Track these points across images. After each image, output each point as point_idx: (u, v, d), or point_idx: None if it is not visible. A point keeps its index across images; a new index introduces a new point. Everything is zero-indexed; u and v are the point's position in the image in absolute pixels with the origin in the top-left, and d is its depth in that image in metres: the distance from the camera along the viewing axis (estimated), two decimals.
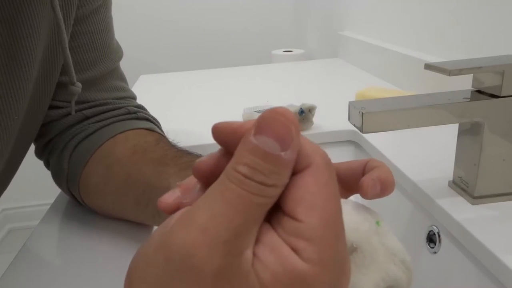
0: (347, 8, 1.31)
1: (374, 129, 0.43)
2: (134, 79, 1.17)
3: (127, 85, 0.60)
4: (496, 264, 0.38)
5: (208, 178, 0.21)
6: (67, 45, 0.44)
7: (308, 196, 0.18)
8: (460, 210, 0.45)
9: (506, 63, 0.42)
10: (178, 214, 0.19)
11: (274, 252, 0.18)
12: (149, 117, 0.57)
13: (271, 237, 0.18)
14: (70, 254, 0.48)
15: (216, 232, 0.17)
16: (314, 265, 0.17)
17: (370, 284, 0.22)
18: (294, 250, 0.17)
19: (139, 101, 0.60)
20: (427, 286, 0.50)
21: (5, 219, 2.23)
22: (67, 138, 0.52)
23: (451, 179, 0.50)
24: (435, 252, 0.49)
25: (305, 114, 0.70)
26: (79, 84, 0.47)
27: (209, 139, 0.80)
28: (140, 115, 0.55)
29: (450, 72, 0.41)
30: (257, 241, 0.18)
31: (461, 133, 0.47)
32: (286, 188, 0.18)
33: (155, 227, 0.51)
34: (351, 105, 0.44)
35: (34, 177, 1.44)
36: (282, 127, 0.18)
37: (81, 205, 0.54)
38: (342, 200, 0.21)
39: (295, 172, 0.19)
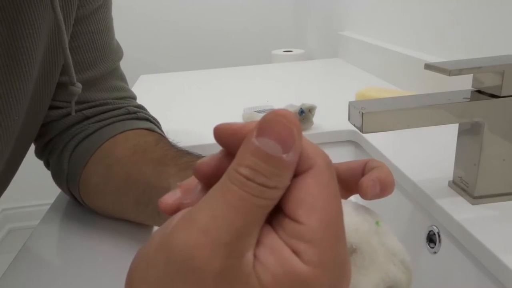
0: (347, 8, 1.31)
1: (374, 129, 0.43)
2: (134, 79, 1.17)
3: (127, 85, 0.60)
4: (496, 264, 0.38)
5: (209, 179, 0.21)
6: (67, 46, 0.44)
7: (309, 198, 0.18)
8: (460, 210, 0.45)
9: (506, 63, 0.42)
10: (179, 215, 0.19)
11: (275, 254, 0.18)
12: (149, 117, 0.57)
13: (272, 239, 0.18)
14: (70, 254, 0.48)
15: (217, 233, 0.17)
16: (315, 267, 0.17)
17: (370, 285, 0.22)
18: (295, 252, 0.18)
19: (139, 101, 0.60)
20: (427, 286, 0.50)
21: (5, 219, 2.23)
22: (67, 138, 0.52)
23: (451, 179, 0.50)
24: (435, 252, 0.49)
25: (305, 114, 0.70)
26: (79, 85, 0.47)
27: (209, 139, 0.80)
28: (140, 115, 0.55)
29: (450, 72, 0.41)
30: (258, 243, 0.18)
31: (461, 133, 0.47)
32: (287, 190, 0.18)
33: (155, 227, 0.51)
34: (351, 105, 0.44)
35: (34, 177, 1.44)
36: (284, 129, 0.18)
37: (81, 205, 0.54)
38: (342, 201, 0.21)
39: (296, 174, 0.19)
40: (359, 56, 1.18)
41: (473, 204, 0.46)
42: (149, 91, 1.11)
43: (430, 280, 0.50)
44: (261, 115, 0.80)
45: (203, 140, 0.70)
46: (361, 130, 0.43)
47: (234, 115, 0.81)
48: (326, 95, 0.96)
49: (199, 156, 0.48)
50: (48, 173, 0.56)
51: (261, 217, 0.18)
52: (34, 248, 0.49)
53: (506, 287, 0.37)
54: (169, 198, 0.22)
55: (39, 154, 0.56)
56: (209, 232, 0.17)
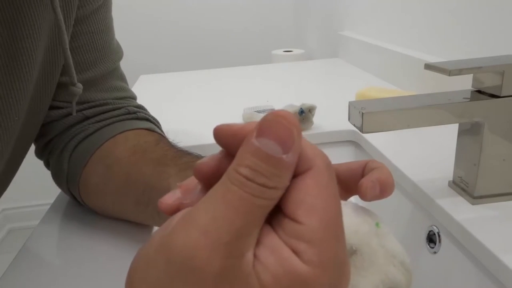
0: (347, 8, 1.31)
1: (374, 129, 0.43)
2: (134, 79, 1.17)
3: (127, 85, 0.60)
4: (496, 264, 0.38)
5: (209, 179, 0.21)
6: (67, 46, 0.44)
7: (308, 198, 0.18)
8: (460, 210, 0.45)
9: (506, 63, 0.42)
10: (179, 215, 0.19)
11: (275, 254, 0.18)
12: (149, 117, 0.57)
13: (272, 239, 0.18)
14: (70, 254, 0.48)
15: (217, 234, 0.17)
16: (314, 267, 0.17)
17: (370, 286, 0.22)
18: (295, 252, 0.18)
19: (139, 101, 0.60)
20: (427, 286, 0.50)
21: (5, 219, 2.23)
22: (67, 138, 0.52)
23: (451, 179, 0.50)
24: (435, 252, 0.49)
25: (305, 114, 0.70)
26: (80, 85, 0.47)
27: (209, 139, 0.80)
28: (140, 115, 0.55)
29: (450, 72, 0.41)
30: (258, 242, 0.18)
31: (461, 133, 0.47)
32: (287, 190, 0.19)
33: (155, 227, 0.51)
34: (351, 105, 0.44)
35: (34, 177, 1.44)
36: (284, 130, 0.18)
37: (81, 205, 0.54)
38: (342, 202, 0.21)
39: (296, 175, 0.19)
40: (359, 56, 1.18)
41: (473, 204, 0.46)
42: (149, 91, 1.11)
43: (430, 280, 0.50)
44: (261, 115, 0.81)
45: (203, 140, 0.70)
46: (361, 130, 0.43)
47: (234, 115, 0.81)
48: (326, 95, 0.96)
49: (199, 156, 0.48)
50: (48, 173, 0.56)
51: (261, 217, 0.18)
52: (34, 248, 0.49)
53: (506, 287, 0.37)
54: (169, 198, 0.22)
55: (39, 154, 0.56)
56: (209, 232, 0.17)
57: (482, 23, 0.69)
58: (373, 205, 0.26)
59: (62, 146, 0.52)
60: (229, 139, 0.20)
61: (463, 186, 0.47)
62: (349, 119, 0.45)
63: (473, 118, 0.44)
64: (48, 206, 0.57)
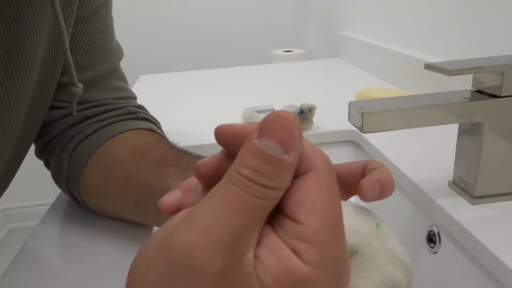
0: (347, 8, 1.31)
1: (374, 129, 0.43)
2: (134, 79, 1.17)
3: (127, 85, 0.60)
4: (496, 264, 0.38)
5: (209, 179, 0.21)
6: (68, 46, 0.44)
7: (309, 199, 0.18)
8: (460, 210, 0.45)
9: (506, 63, 0.42)
10: (179, 215, 0.19)
11: (275, 254, 0.18)
12: (149, 117, 0.57)
13: (272, 239, 0.18)
14: (70, 254, 0.48)
15: (218, 234, 0.17)
16: (315, 268, 0.17)
17: (370, 287, 0.22)
18: (295, 252, 0.18)
19: (139, 101, 0.60)
20: (427, 286, 0.50)
21: (5, 219, 2.23)
22: (67, 139, 0.52)
23: (451, 179, 0.50)
24: (435, 252, 0.49)
25: (305, 114, 0.70)
26: (80, 85, 0.47)
27: (209, 139, 0.80)
28: (140, 115, 0.55)
29: (450, 72, 0.41)
30: (258, 243, 0.18)
31: (461, 133, 0.47)
32: (288, 190, 0.19)
33: (155, 227, 0.51)
34: (351, 105, 0.44)
35: (34, 177, 1.44)
36: (284, 130, 0.18)
37: (81, 205, 0.54)
38: (342, 203, 0.21)
39: (296, 175, 0.19)
40: (359, 56, 1.18)
41: (473, 204, 0.46)
42: (149, 91, 1.11)
43: (430, 280, 0.50)
44: (261, 115, 0.80)
45: (203, 140, 0.70)
46: (361, 130, 0.43)
47: (234, 115, 0.81)
48: (326, 95, 0.96)
49: (198, 157, 0.48)
50: (48, 173, 0.56)
51: (261, 218, 0.18)
52: (34, 248, 0.49)
53: (506, 287, 0.38)
54: (169, 198, 0.22)
55: (39, 154, 0.56)
56: (210, 232, 0.17)
57: (482, 23, 0.69)
58: (373, 205, 0.26)
59: (62, 146, 0.52)
60: (230, 139, 0.20)
61: (463, 186, 0.47)
62: (349, 119, 0.45)
63: (473, 118, 0.44)
64: (48, 206, 0.57)
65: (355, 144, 0.72)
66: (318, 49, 1.67)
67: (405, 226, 0.56)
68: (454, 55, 0.77)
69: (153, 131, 0.54)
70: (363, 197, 0.23)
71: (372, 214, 0.24)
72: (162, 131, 0.57)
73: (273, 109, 0.81)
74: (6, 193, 0.53)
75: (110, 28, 0.55)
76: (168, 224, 0.19)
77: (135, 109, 0.56)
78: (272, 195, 0.18)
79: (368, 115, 0.42)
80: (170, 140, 0.53)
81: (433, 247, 0.49)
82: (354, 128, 0.47)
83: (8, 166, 0.48)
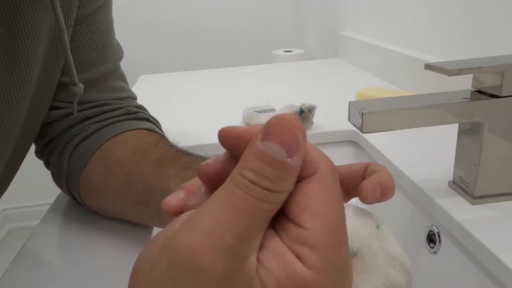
0: (347, 8, 1.31)
1: (374, 129, 0.43)
2: (134, 79, 1.17)
3: (128, 85, 0.60)
4: (496, 264, 0.38)
5: (213, 181, 0.21)
6: (68, 46, 0.44)
7: (312, 203, 0.18)
8: (460, 210, 0.45)
9: (506, 63, 0.42)
10: (182, 217, 0.19)
11: (278, 258, 0.18)
12: (149, 118, 0.57)
13: (276, 243, 0.18)
14: (70, 254, 0.48)
15: (221, 237, 0.17)
16: (317, 272, 0.17)
17: None
18: (298, 256, 0.18)
19: (139, 101, 0.60)
20: (427, 286, 0.50)
21: (5, 219, 2.23)
22: (67, 139, 0.52)
23: (451, 179, 0.50)
24: (435, 252, 0.49)
25: (305, 114, 0.70)
26: (81, 85, 0.47)
27: (209, 139, 0.80)
28: (140, 115, 0.55)
29: (450, 72, 0.41)
30: (261, 246, 0.18)
31: (461, 133, 0.47)
32: (291, 194, 0.19)
33: (155, 228, 0.51)
34: (351, 105, 0.44)
35: (34, 177, 1.44)
36: (288, 134, 0.18)
37: (81, 205, 0.54)
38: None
39: (300, 179, 0.19)
40: (359, 56, 1.18)
41: (473, 204, 0.46)
42: (149, 91, 1.11)
43: (430, 280, 0.50)
44: (261, 115, 0.80)
45: (203, 140, 0.70)
46: (361, 130, 0.43)
47: (234, 115, 0.81)
48: (326, 95, 0.96)
49: (198, 157, 0.48)
50: (48, 173, 0.56)
51: (264, 221, 0.18)
52: (34, 248, 0.49)
53: (506, 287, 0.38)
54: (172, 199, 0.22)
55: (39, 154, 0.56)
56: (213, 235, 0.17)
57: (482, 23, 0.69)
58: (374, 206, 0.26)
59: (62, 146, 0.52)
60: (233, 142, 0.20)
61: (463, 186, 0.47)
62: (349, 119, 0.45)
63: (473, 118, 0.44)
64: (48, 206, 0.57)
65: (355, 144, 0.72)
66: (318, 49, 1.67)
67: (405, 226, 0.56)
68: (454, 55, 0.77)
69: (153, 131, 0.54)
70: (364, 200, 0.23)
71: (372, 216, 0.24)
72: (162, 131, 0.57)
73: (273, 109, 0.81)
74: (6, 193, 0.53)
75: (110, 28, 0.55)
76: (171, 226, 0.19)
77: (135, 109, 0.56)
78: (275, 198, 0.18)
79: (368, 115, 0.42)
80: (170, 140, 0.53)
81: (433, 247, 0.49)
82: (354, 128, 0.47)
83: (8, 166, 0.48)
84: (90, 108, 0.53)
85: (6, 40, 0.40)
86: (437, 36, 0.82)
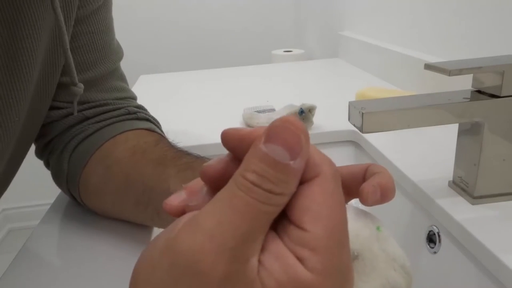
0: (347, 8, 1.31)
1: (374, 129, 0.43)
2: (134, 79, 1.17)
3: (128, 85, 0.60)
4: (496, 264, 0.38)
5: (215, 182, 0.21)
6: (68, 46, 0.44)
7: (314, 206, 0.18)
8: (460, 210, 0.45)
9: (506, 63, 0.42)
10: (184, 218, 0.19)
11: (279, 260, 0.18)
12: (149, 118, 0.57)
13: (277, 246, 0.18)
14: (70, 254, 0.48)
15: (222, 238, 0.17)
16: (318, 275, 0.18)
17: None
18: (299, 259, 0.18)
19: (139, 101, 0.60)
20: (427, 286, 0.50)
21: (5, 219, 2.23)
22: (67, 139, 0.52)
23: (451, 179, 0.50)
24: (435, 252, 0.49)
25: (305, 114, 0.70)
26: (81, 85, 0.47)
27: (209, 139, 0.80)
28: (140, 115, 0.55)
29: (450, 72, 0.41)
30: (263, 249, 0.18)
31: (461, 133, 0.47)
32: (293, 197, 0.19)
33: (155, 228, 0.51)
34: (351, 105, 0.44)
35: (34, 177, 1.44)
36: (291, 136, 0.18)
37: (81, 205, 0.54)
38: None
39: (302, 181, 0.19)
40: (359, 56, 1.18)
41: (473, 204, 0.46)
42: (149, 91, 1.11)
43: (430, 280, 0.50)
44: (261, 115, 0.80)
45: (203, 141, 0.70)
46: (361, 130, 0.43)
47: (234, 115, 0.81)
48: (326, 95, 0.96)
49: (198, 157, 0.48)
50: (48, 173, 0.56)
51: (266, 223, 0.18)
52: (34, 248, 0.49)
53: (506, 287, 0.38)
54: (174, 200, 0.22)
55: (39, 154, 0.56)
56: (215, 236, 0.17)
57: (482, 23, 0.69)
58: (374, 206, 0.26)
59: (62, 147, 0.52)
60: (236, 143, 0.21)
61: (463, 186, 0.47)
62: (349, 119, 0.45)
63: (473, 118, 0.44)
64: (48, 206, 0.57)
65: (355, 144, 0.72)
66: (318, 49, 1.67)
67: (405, 226, 0.56)
68: (454, 55, 0.77)
69: (153, 131, 0.54)
70: (364, 201, 0.23)
71: (373, 217, 0.24)
72: (162, 131, 0.57)
73: (273, 109, 0.81)
74: (6, 193, 0.53)
75: (110, 28, 0.55)
76: (173, 227, 0.19)
77: (135, 109, 0.56)
78: (277, 201, 0.18)
79: (368, 115, 0.42)
80: (170, 140, 0.53)
81: (433, 247, 0.49)
82: (354, 128, 0.47)
83: (8, 166, 0.48)
84: (90, 108, 0.53)
85: (6, 40, 0.40)
86: (437, 36, 0.82)
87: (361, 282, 0.22)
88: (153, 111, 0.60)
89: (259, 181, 0.17)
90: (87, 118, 0.53)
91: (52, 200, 0.58)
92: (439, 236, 0.48)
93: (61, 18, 0.42)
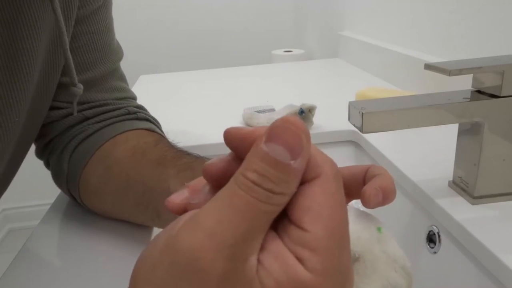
0: (347, 8, 1.31)
1: (374, 129, 0.43)
2: (134, 79, 1.17)
3: (127, 85, 0.60)
4: (496, 264, 0.38)
5: (217, 180, 0.21)
6: (68, 47, 0.44)
7: (315, 206, 0.18)
8: (460, 210, 0.45)
9: (506, 63, 0.42)
10: (185, 216, 0.19)
11: (279, 260, 0.18)
12: (149, 118, 0.57)
13: (277, 245, 0.18)
14: (70, 254, 0.48)
15: (222, 237, 0.17)
16: (318, 275, 0.18)
17: None
18: (299, 259, 0.18)
19: (139, 101, 0.60)
20: (427, 286, 0.50)
21: (5, 219, 2.23)
22: (67, 139, 0.52)
23: (451, 179, 0.50)
24: (435, 252, 0.49)
25: (305, 114, 0.70)
26: (80, 86, 0.47)
27: (209, 139, 0.80)
28: (140, 115, 0.55)
29: (450, 72, 0.41)
30: (262, 248, 0.18)
31: (461, 133, 0.47)
32: (294, 197, 0.19)
33: (155, 228, 0.51)
34: (351, 105, 0.44)
35: (34, 177, 1.44)
36: (292, 136, 0.18)
37: (81, 205, 0.54)
38: None
39: (303, 182, 0.19)
40: (359, 56, 1.18)
41: (473, 204, 0.46)
42: (149, 91, 1.11)
43: (430, 280, 0.50)
44: (261, 115, 0.80)
45: (203, 141, 0.70)
46: (361, 130, 0.43)
47: (234, 115, 0.81)
48: (326, 95, 0.96)
49: (198, 157, 0.48)
50: (48, 173, 0.56)
51: (266, 223, 0.18)
52: (34, 248, 0.49)
53: (506, 287, 0.38)
54: (177, 198, 0.22)
55: (39, 154, 0.56)
56: (214, 235, 0.17)
57: (482, 23, 0.69)
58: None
59: (62, 147, 0.52)
60: (238, 143, 0.21)
61: (463, 186, 0.47)
62: (349, 119, 0.45)
63: (473, 118, 0.44)
64: (48, 206, 0.57)
65: (355, 144, 0.72)
66: (318, 49, 1.67)
67: (405, 226, 0.56)
68: (454, 55, 0.77)
69: (153, 131, 0.54)
70: (366, 204, 0.23)
71: (373, 218, 0.24)
72: (162, 131, 0.57)
73: (273, 109, 0.81)
74: (6, 193, 0.53)
75: (110, 29, 0.55)
76: (173, 225, 0.19)
77: (135, 109, 0.56)
78: (278, 200, 0.18)
79: (368, 115, 0.42)
80: (170, 140, 0.53)
81: (433, 247, 0.49)
82: (354, 128, 0.47)
83: (8, 167, 0.48)
84: (90, 108, 0.53)
85: (6, 40, 0.40)
86: (437, 36, 0.82)
87: (362, 284, 0.22)
88: (153, 111, 0.60)
89: (259, 180, 0.17)
90: (87, 118, 0.53)
91: (52, 200, 0.58)
92: (439, 236, 0.48)
93: (61, 18, 0.42)
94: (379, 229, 0.23)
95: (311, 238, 0.18)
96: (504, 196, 0.46)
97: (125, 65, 0.61)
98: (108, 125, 0.52)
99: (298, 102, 0.73)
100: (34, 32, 0.42)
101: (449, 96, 0.45)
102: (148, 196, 0.46)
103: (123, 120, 0.54)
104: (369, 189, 0.23)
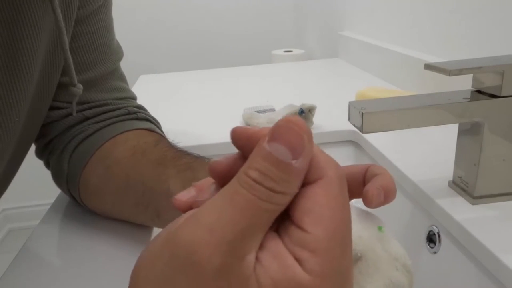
0: (347, 8, 1.31)
1: (374, 129, 0.43)
2: (134, 79, 1.17)
3: (127, 85, 0.60)
4: (496, 264, 0.38)
5: (223, 178, 0.22)
6: (67, 47, 0.44)
7: (316, 207, 0.18)
8: (460, 210, 0.45)
9: (506, 63, 0.42)
10: (188, 213, 0.19)
11: (278, 259, 0.18)
12: (149, 118, 0.57)
13: (276, 245, 0.18)
14: (70, 254, 0.48)
15: (221, 232, 0.17)
16: (315, 277, 0.18)
17: None
18: (298, 260, 0.18)
19: (139, 101, 0.60)
20: (427, 286, 0.50)
21: (5, 219, 2.23)
22: (67, 139, 0.52)
23: (451, 179, 0.50)
24: (435, 252, 0.49)
25: (305, 114, 0.70)
26: (80, 86, 0.47)
27: (209, 139, 0.80)
28: (140, 115, 0.55)
29: (450, 72, 0.41)
30: (262, 247, 0.18)
31: (461, 133, 0.47)
32: (296, 197, 0.19)
33: (155, 228, 0.51)
34: (351, 105, 0.44)
35: (34, 177, 1.44)
36: (294, 136, 0.18)
37: (81, 205, 0.54)
38: None
39: (307, 183, 0.19)
40: (359, 56, 1.18)
41: (473, 204, 0.46)
42: (149, 91, 1.11)
43: (430, 280, 0.50)
44: (261, 115, 0.80)
45: (203, 141, 0.70)
46: (361, 130, 0.43)
47: (234, 115, 0.81)
48: (326, 95, 0.96)
49: (198, 157, 0.48)
50: (48, 173, 0.56)
51: (266, 222, 0.18)
52: (34, 248, 0.49)
53: (506, 287, 0.38)
54: (183, 196, 0.23)
55: (39, 154, 0.56)
56: (214, 230, 0.17)
57: (482, 23, 0.69)
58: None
59: (62, 147, 0.52)
60: (244, 142, 0.21)
61: (463, 186, 0.47)
62: (349, 119, 0.45)
63: (473, 118, 0.44)
64: (48, 206, 0.57)
65: (355, 144, 0.72)
66: (318, 49, 1.67)
67: (405, 226, 0.56)
68: (454, 55, 0.77)
69: (153, 131, 0.54)
70: (369, 204, 0.23)
71: (374, 217, 0.24)
72: (162, 131, 0.57)
73: (273, 109, 0.81)
74: (6, 193, 0.53)
75: (110, 29, 0.55)
76: (175, 221, 0.19)
77: (135, 109, 0.56)
78: (278, 199, 0.18)
79: (368, 115, 0.42)
80: (170, 140, 0.53)
81: (433, 247, 0.49)
82: (354, 128, 0.47)
83: (8, 167, 0.48)
84: (90, 108, 0.53)
85: (6, 40, 0.40)
86: (437, 36, 0.82)
87: (365, 283, 0.22)
88: (153, 111, 0.60)
89: (261, 179, 0.18)
90: (87, 118, 0.53)
91: (52, 200, 0.58)
92: (439, 236, 0.48)
93: (61, 18, 0.42)
94: (380, 228, 0.23)
95: (311, 239, 0.18)
96: (504, 196, 0.46)
97: (125, 65, 0.61)
98: (108, 125, 0.52)
99: (298, 102, 0.73)
100: (34, 32, 0.42)
101: (449, 96, 0.45)
102: (148, 196, 0.46)
103: (123, 120, 0.54)
104: (371, 189, 0.23)
